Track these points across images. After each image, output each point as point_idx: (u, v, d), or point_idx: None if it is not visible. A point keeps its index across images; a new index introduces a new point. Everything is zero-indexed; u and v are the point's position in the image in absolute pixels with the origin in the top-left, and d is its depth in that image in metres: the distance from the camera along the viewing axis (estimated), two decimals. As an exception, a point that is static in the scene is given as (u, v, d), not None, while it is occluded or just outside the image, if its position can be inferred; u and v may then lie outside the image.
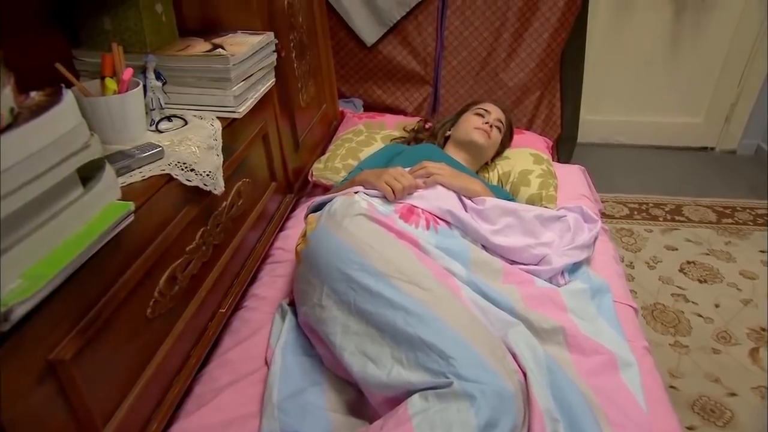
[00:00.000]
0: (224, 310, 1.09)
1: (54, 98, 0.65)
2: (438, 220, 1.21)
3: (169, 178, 0.88)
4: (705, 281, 1.98)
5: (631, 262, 2.08)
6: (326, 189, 1.60)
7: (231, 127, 1.10)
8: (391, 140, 1.79)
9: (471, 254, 1.15)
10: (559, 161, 2.20)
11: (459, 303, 0.97)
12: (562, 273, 1.23)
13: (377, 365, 0.88)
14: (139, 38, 1.07)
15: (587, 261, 1.31)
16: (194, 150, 0.96)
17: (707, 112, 2.89)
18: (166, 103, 1.05)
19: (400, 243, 1.06)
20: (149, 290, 0.84)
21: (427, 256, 1.07)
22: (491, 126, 1.57)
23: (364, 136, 1.83)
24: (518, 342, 0.95)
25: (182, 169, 0.91)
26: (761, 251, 2.14)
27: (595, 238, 1.34)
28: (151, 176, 0.85)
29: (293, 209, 1.57)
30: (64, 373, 0.66)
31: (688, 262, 2.08)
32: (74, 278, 0.66)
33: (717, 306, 1.86)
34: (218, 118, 1.08)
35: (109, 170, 0.74)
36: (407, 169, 1.31)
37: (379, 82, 2.34)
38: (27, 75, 0.68)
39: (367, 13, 2.14)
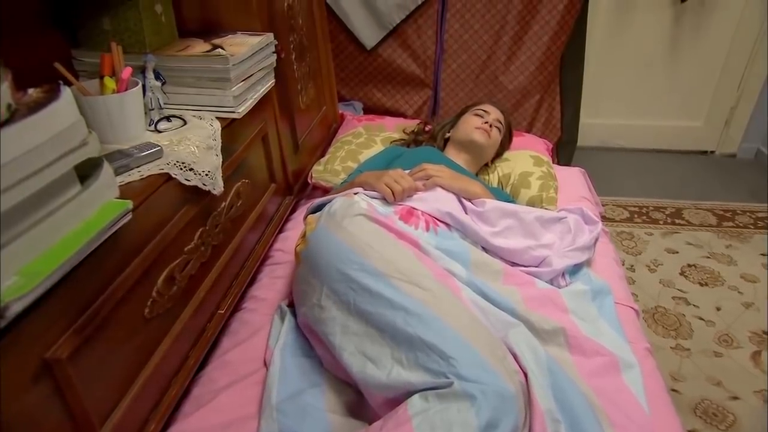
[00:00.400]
0: (223, 311, 1.08)
1: (51, 95, 0.65)
2: (437, 222, 1.21)
3: (167, 178, 0.87)
4: (706, 284, 1.97)
5: (632, 266, 2.07)
6: (326, 191, 1.60)
7: (230, 128, 1.09)
8: (391, 142, 1.79)
9: (471, 255, 1.15)
10: (559, 164, 2.19)
11: (459, 303, 0.97)
12: (563, 274, 1.23)
13: (377, 365, 0.88)
14: (139, 38, 1.07)
15: (588, 263, 1.30)
16: (193, 150, 0.95)
17: (707, 115, 2.89)
18: (165, 103, 1.05)
19: (400, 243, 1.05)
20: (147, 290, 0.83)
21: (427, 257, 1.07)
22: (491, 126, 1.57)
23: (364, 138, 1.83)
24: (519, 342, 0.94)
25: (181, 169, 0.90)
26: (762, 254, 2.14)
27: (596, 240, 1.33)
28: (149, 175, 0.85)
29: (293, 211, 1.57)
30: (60, 372, 0.65)
31: (689, 265, 2.08)
32: (71, 276, 0.65)
33: (718, 309, 1.85)
34: (217, 118, 1.08)
35: (107, 168, 0.74)
36: (407, 172, 1.31)
37: (378, 85, 2.34)
38: (26, 75, 0.68)
39: (367, 16, 2.15)
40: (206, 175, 0.94)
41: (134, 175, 0.84)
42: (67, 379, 0.66)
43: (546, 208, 1.50)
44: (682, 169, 2.84)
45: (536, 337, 1.00)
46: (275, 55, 1.28)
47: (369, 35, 2.18)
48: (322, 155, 1.77)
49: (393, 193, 1.20)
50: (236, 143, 1.14)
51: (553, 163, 1.86)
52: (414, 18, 2.16)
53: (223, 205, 1.08)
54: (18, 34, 0.94)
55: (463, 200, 1.30)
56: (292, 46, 1.47)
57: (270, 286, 1.29)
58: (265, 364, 1.06)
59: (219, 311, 1.08)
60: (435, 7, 2.14)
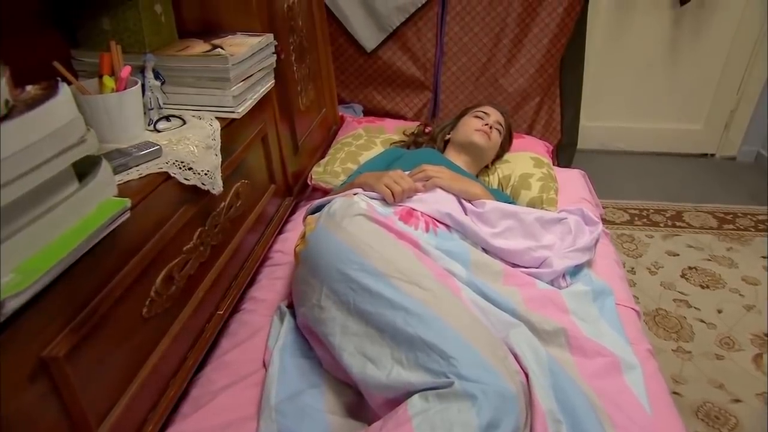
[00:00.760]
0: (222, 312, 1.08)
1: (50, 92, 0.64)
2: (437, 223, 1.20)
3: (166, 177, 0.87)
4: (707, 287, 1.97)
5: (633, 268, 2.07)
6: (325, 192, 1.59)
7: (230, 128, 1.09)
8: (391, 144, 1.79)
9: (471, 256, 1.14)
10: (559, 167, 2.19)
11: (460, 303, 0.96)
12: (564, 275, 1.22)
13: (377, 366, 0.87)
14: (138, 39, 1.07)
15: (589, 264, 1.30)
16: (192, 149, 0.95)
17: (707, 118, 2.89)
18: (164, 103, 1.05)
19: (399, 243, 1.05)
20: (146, 289, 0.83)
21: (427, 257, 1.06)
22: (491, 128, 1.57)
23: (364, 140, 1.83)
24: (520, 343, 0.94)
25: (180, 168, 0.90)
26: (762, 257, 2.13)
27: (597, 241, 1.33)
28: (148, 174, 0.84)
29: (292, 212, 1.57)
30: (57, 370, 0.64)
31: (690, 268, 2.07)
32: (69, 274, 0.65)
33: (719, 312, 1.85)
34: (217, 118, 1.07)
35: (105, 166, 0.73)
36: (407, 173, 1.30)
37: (378, 88, 2.34)
38: (25, 75, 0.67)
39: (367, 18, 2.15)
40: (205, 174, 0.94)
41: (133, 174, 0.84)
42: (64, 377, 0.66)
43: (546, 210, 1.50)
44: (682, 172, 2.84)
45: (537, 338, 0.99)
46: (275, 55, 1.27)
47: (369, 38, 2.19)
48: (322, 157, 1.77)
49: (393, 194, 1.20)
50: (236, 143, 1.13)
51: (553, 165, 1.85)
52: (414, 21, 2.17)
53: (222, 205, 1.07)
54: (18, 35, 0.94)
55: (463, 201, 1.30)
56: (292, 48, 1.47)
57: (269, 287, 1.29)
58: (264, 365, 1.05)
59: (218, 312, 1.07)
60: (435, 10, 2.15)
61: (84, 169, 0.71)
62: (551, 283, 1.20)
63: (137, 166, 0.86)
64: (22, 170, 0.58)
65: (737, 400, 1.51)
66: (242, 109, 1.11)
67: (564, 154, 2.46)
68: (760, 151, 2.89)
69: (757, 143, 2.88)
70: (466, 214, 1.27)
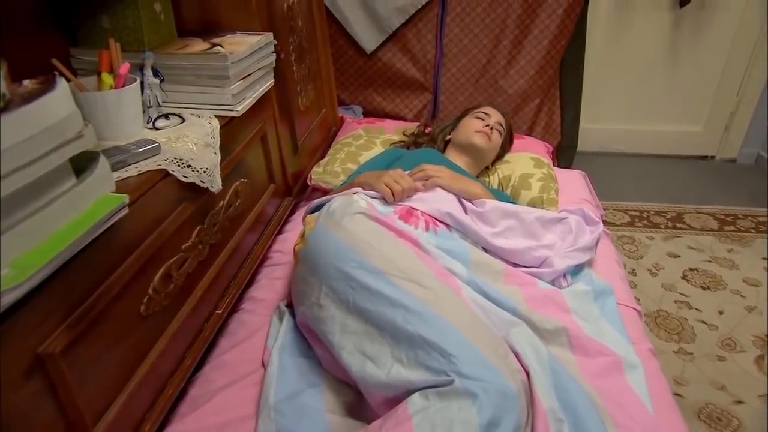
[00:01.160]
0: (221, 312, 1.07)
1: (47, 86, 0.64)
2: (437, 222, 1.20)
3: (165, 174, 0.86)
4: (708, 288, 1.96)
5: (633, 269, 2.06)
6: (325, 193, 1.58)
7: (229, 126, 1.09)
8: (391, 144, 1.79)
9: (471, 255, 1.14)
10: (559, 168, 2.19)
11: (460, 302, 0.96)
12: (565, 275, 1.21)
13: (376, 364, 0.86)
14: (137, 37, 1.06)
15: (589, 263, 1.29)
16: (191, 147, 0.94)
17: (707, 120, 2.89)
18: (163, 101, 1.04)
19: (399, 242, 1.04)
20: (144, 286, 0.82)
21: (428, 255, 1.06)
22: (492, 128, 1.56)
23: (364, 140, 1.82)
24: (521, 341, 0.93)
25: (179, 165, 0.89)
26: (763, 258, 2.13)
27: (597, 241, 1.32)
28: (146, 171, 0.84)
29: (292, 212, 1.56)
30: (53, 367, 0.64)
31: (691, 269, 2.06)
32: (66, 270, 0.64)
33: (721, 313, 1.84)
34: (216, 116, 1.07)
35: (103, 162, 0.73)
36: (407, 172, 1.30)
37: (378, 90, 2.34)
38: (25, 75, 0.67)
39: (367, 20, 2.15)
40: (204, 172, 0.93)
41: (131, 171, 0.83)
42: (60, 374, 0.65)
43: (547, 210, 1.49)
44: (682, 173, 2.84)
45: (538, 337, 0.99)
46: (275, 54, 1.27)
47: (369, 39, 2.19)
48: (322, 157, 1.76)
49: (392, 193, 1.20)
50: (235, 142, 1.13)
51: (553, 166, 1.85)
52: (414, 22, 2.17)
53: (221, 203, 1.07)
54: (17, 34, 0.94)
55: (463, 201, 1.30)
56: (291, 48, 1.47)
57: (268, 287, 1.28)
58: (263, 365, 1.04)
59: (217, 311, 1.07)
60: (435, 11, 2.15)
61: (82, 165, 0.71)
62: (552, 282, 1.20)
63: (135, 163, 0.85)
64: (18, 164, 0.57)
65: (739, 402, 1.50)
66: (241, 108, 1.11)
67: (564, 155, 2.46)
68: (760, 153, 2.89)
69: (758, 145, 2.88)
70: (466, 214, 1.26)
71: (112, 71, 0.94)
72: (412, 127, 1.90)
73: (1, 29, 0.88)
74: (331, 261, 0.98)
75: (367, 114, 2.33)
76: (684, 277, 2.02)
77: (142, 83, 0.98)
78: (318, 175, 1.66)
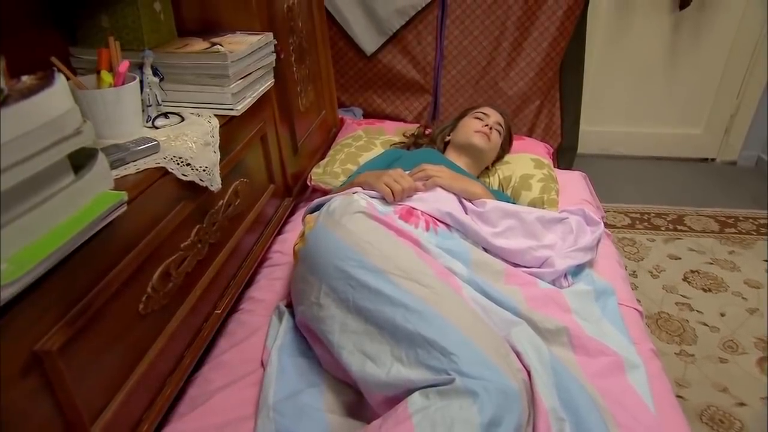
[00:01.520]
0: (220, 312, 1.06)
1: (45, 81, 0.64)
2: (437, 222, 1.19)
3: (164, 172, 0.86)
4: (709, 290, 1.95)
5: (634, 271, 2.05)
6: (325, 193, 1.57)
7: (229, 126, 1.08)
8: (391, 145, 1.78)
9: (472, 255, 1.13)
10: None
11: (461, 300, 0.95)
12: (565, 275, 1.21)
13: (376, 363, 0.85)
14: (137, 36, 1.06)
15: (590, 264, 1.29)
16: (190, 145, 0.94)
17: (707, 123, 2.89)
18: (163, 100, 1.04)
19: (400, 241, 1.04)
20: (142, 285, 0.82)
21: (428, 255, 1.05)
22: (491, 128, 1.56)
23: (364, 141, 1.82)
24: (522, 341, 0.92)
25: (178, 164, 0.89)
26: (765, 260, 2.12)
27: (598, 241, 1.31)
28: (145, 169, 0.83)
29: (291, 213, 1.56)
30: (50, 365, 0.63)
31: (692, 271, 2.06)
32: (64, 267, 0.64)
33: (722, 315, 1.83)
34: (216, 115, 1.07)
35: (101, 159, 0.72)
36: (407, 172, 1.30)
37: (378, 92, 2.34)
38: (24, 74, 0.66)
39: (367, 22, 2.15)
40: (203, 170, 0.93)
41: (130, 169, 0.83)
42: (58, 372, 0.64)
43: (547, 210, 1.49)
44: (682, 176, 2.83)
45: (539, 337, 0.98)
46: (275, 54, 1.27)
47: (369, 41, 2.19)
48: (322, 158, 1.76)
49: (393, 193, 1.19)
50: (235, 142, 1.13)
51: (553, 167, 1.85)
52: (414, 24, 2.17)
53: (220, 203, 1.06)
54: (17, 34, 0.93)
55: (464, 201, 1.29)
56: (291, 48, 1.47)
57: (268, 287, 1.27)
58: (263, 365, 1.03)
59: (216, 311, 1.06)
60: (435, 13, 2.15)
61: (80, 162, 0.70)
62: (553, 283, 1.19)
63: (134, 161, 0.85)
64: (16, 159, 0.57)
65: (742, 404, 1.50)
66: (241, 107, 1.11)
67: (564, 157, 2.45)
68: (760, 155, 2.88)
69: (758, 148, 2.88)
70: (466, 214, 1.26)
71: (111, 69, 0.94)
72: (412, 128, 1.90)
73: (1, 29, 0.88)
74: (330, 260, 0.98)
75: (367, 116, 2.33)
76: (685, 279, 2.01)
77: (141, 82, 0.98)
78: (318, 175, 1.66)
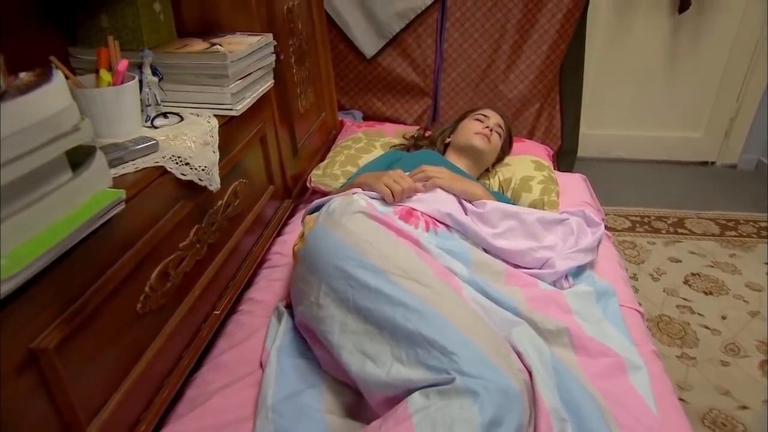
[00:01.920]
0: (218, 312, 1.06)
1: (43, 78, 0.63)
2: (437, 223, 1.19)
3: (163, 171, 0.86)
4: (711, 293, 1.95)
5: (635, 274, 2.04)
6: (325, 195, 1.58)
7: (228, 126, 1.08)
8: (391, 147, 1.78)
9: (472, 255, 1.13)
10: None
11: (461, 300, 0.94)
12: (566, 276, 1.21)
13: (376, 363, 0.85)
14: (137, 36, 1.06)
15: (591, 265, 1.28)
16: (190, 145, 0.94)
17: (707, 126, 2.89)
18: (162, 100, 1.04)
19: (399, 241, 1.03)
20: (140, 284, 0.81)
21: (428, 254, 1.05)
22: (491, 130, 1.56)
23: (363, 143, 1.82)
24: (522, 341, 0.92)
25: (177, 163, 0.88)
26: (766, 263, 2.11)
27: (599, 242, 1.31)
28: (144, 168, 0.83)
29: (291, 215, 1.55)
30: (47, 363, 0.63)
31: (693, 274, 2.05)
32: (62, 264, 0.63)
33: (724, 318, 1.82)
34: (215, 115, 1.06)
35: (100, 157, 0.72)
36: (407, 173, 1.29)
37: (378, 94, 2.34)
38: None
39: (367, 25, 2.15)
40: (202, 170, 0.93)
41: (129, 168, 0.82)
42: (54, 371, 0.64)
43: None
44: (682, 179, 2.83)
45: (540, 337, 0.97)
46: (274, 55, 1.27)
47: (369, 44, 2.19)
48: (321, 160, 1.76)
49: (392, 194, 1.19)
50: (234, 142, 1.12)
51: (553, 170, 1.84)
52: (414, 27, 2.17)
53: (219, 203, 1.06)
54: (17, 34, 0.93)
55: (464, 201, 1.29)
56: (291, 50, 1.47)
57: (267, 288, 1.27)
58: (261, 366, 1.03)
59: (214, 312, 1.05)
60: (434, 17, 2.15)
61: (78, 160, 0.70)
62: (554, 284, 1.19)
63: (133, 160, 0.85)
64: (12, 155, 0.57)
65: (744, 407, 1.49)
66: (241, 107, 1.11)
67: (564, 160, 2.45)
68: (760, 158, 2.88)
69: (758, 151, 2.88)
70: (466, 215, 1.25)
71: (110, 69, 0.94)
72: (411, 130, 1.90)
73: (1, 28, 0.88)
74: (330, 260, 0.97)
75: (366, 119, 2.33)
76: (686, 282, 2.00)
77: (140, 81, 0.98)
78: (317, 177, 1.65)
